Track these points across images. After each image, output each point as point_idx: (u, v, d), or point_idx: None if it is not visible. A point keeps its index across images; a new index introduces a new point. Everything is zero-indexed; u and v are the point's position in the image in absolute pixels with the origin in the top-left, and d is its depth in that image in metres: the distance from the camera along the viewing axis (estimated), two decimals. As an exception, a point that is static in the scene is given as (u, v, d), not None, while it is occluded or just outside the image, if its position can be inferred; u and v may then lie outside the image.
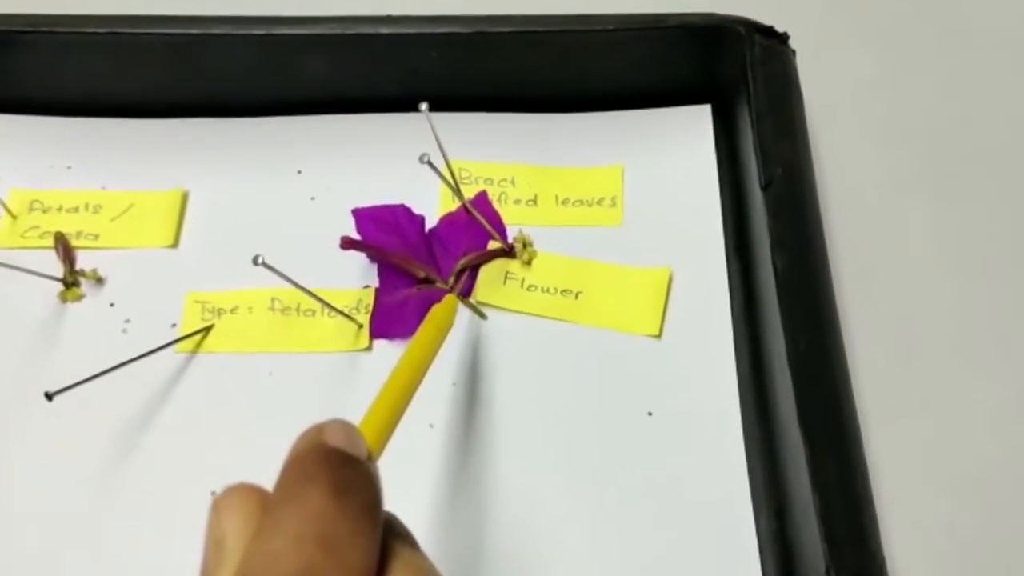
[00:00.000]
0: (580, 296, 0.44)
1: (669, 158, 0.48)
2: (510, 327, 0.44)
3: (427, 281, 0.45)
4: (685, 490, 0.40)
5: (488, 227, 0.45)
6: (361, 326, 0.44)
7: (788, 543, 0.38)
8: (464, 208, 0.46)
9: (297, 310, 0.44)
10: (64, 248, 0.46)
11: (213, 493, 0.25)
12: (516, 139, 0.49)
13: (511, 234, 0.46)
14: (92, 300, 0.45)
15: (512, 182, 0.47)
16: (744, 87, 0.46)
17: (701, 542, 0.39)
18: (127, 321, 0.44)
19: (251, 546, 0.23)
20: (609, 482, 0.40)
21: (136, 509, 0.40)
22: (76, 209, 0.47)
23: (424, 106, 0.40)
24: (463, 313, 0.44)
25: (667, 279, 0.44)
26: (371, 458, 0.27)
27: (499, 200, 0.47)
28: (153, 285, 0.45)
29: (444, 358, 0.42)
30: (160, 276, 0.46)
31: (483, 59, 0.48)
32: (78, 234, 0.46)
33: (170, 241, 0.46)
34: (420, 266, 0.45)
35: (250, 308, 0.44)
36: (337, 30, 0.47)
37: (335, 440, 0.26)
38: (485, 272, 0.45)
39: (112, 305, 0.45)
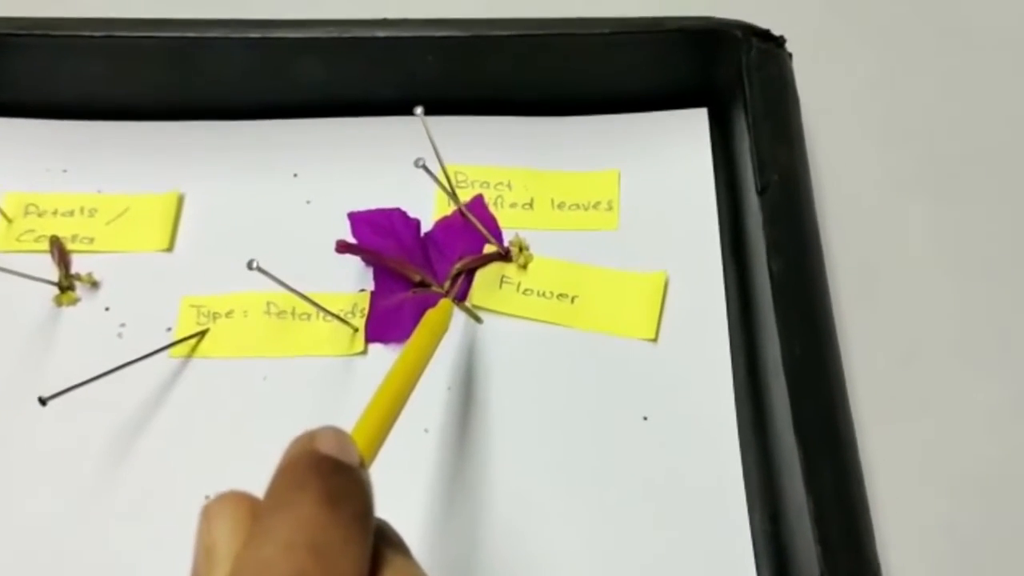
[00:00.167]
0: (576, 300, 0.44)
1: (666, 162, 0.48)
2: (506, 331, 0.44)
3: (423, 285, 0.45)
4: (680, 494, 0.40)
5: (484, 231, 0.45)
6: (356, 330, 0.43)
7: (783, 546, 0.38)
8: (460, 212, 0.46)
9: (292, 314, 0.44)
10: (59, 252, 0.46)
11: (207, 497, 0.25)
12: (512, 143, 0.48)
13: (507, 238, 0.46)
14: (87, 304, 0.45)
15: (508, 186, 0.47)
16: (741, 91, 0.46)
17: (696, 545, 0.39)
18: (122, 325, 0.44)
19: (242, 554, 0.23)
20: (605, 486, 0.40)
21: (131, 513, 0.40)
22: (71, 213, 0.47)
23: (419, 110, 0.40)
24: (459, 317, 0.44)
25: (663, 283, 0.44)
26: (363, 465, 0.27)
27: (495, 204, 0.47)
28: (148, 289, 0.45)
29: (439, 362, 0.42)
30: (155, 280, 0.45)
31: (479, 62, 0.48)
32: (73, 238, 0.46)
33: (165, 245, 0.46)
34: (416, 270, 0.44)
35: (245, 312, 0.44)
36: (333, 33, 0.47)
37: (327, 447, 0.26)
38: (481, 276, 0.45)
39: (107, 309, 0.45)
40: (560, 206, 0.47)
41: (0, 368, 0.43)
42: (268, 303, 0.44)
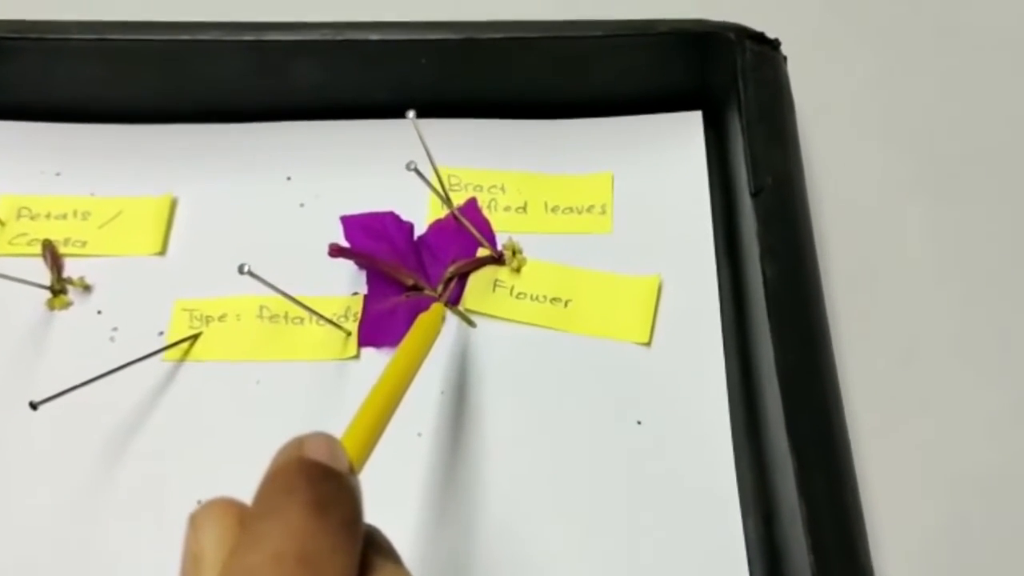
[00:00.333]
0: (570, 304, 0.44)
1: (660, 165, 0.48)
2: (499, 335, 0.44)
3: (416, 289, 0.44)
4: (674, 498, 0.40)
5: (477, 234, 0.45)
6: (349, 334, 0.43)
7: (776, 550, 0.38)
8: (453, 215, 0.45)
9: (285, 318, 0.44)
10: (52, 255, 0.45)
11: (199, 502, 0.25)
12: (506, 146, 0.48)
13: (500, 241, 0.46)
14: (79, 308, 0.45)
15: (502, 189, 0.47)
16: (735, 94, 0.45)
17: (689, 549, 0.38)
18: (114, 329, 0.44)
19: (229, 562, 0.23)
20: (598, 490, 0.40)
21: (123, 517, 0.40)
22: (64, 216, 0.47)
23: (411, 114, 0.40)
24: (452, 321, 0.44)
25: (657, 287, 0.44)
26: (353, 471, 0.27)
27: (488, 207, 0.47)
28: (141, 293, 0.45)
29: (432, 366, 0.42)
30: (148, 283, 0.45)
31: (473, 65, 0.48)
32: (66, 241, 0.46)
33: (158, 248, 0.46)
34: (409, 274, 0.44)
35: (238, 316, 0.44)
36: (327, 36, 0.46)
37: (316, 453, 0.26)
38: (474, 280, 0.45)
39: (100, 313, 0.45)
40: (554, 209, 0.47)
41: (-8, 372, 0.43)
42: (261, 307, 0.44)
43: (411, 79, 0.48)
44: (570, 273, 0.45)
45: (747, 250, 0.43)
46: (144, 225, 0.47)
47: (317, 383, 0.43)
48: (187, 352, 0.43)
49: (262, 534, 0.23)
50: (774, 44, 0.47)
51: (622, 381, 0.42)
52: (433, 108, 0.45)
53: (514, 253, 0.45)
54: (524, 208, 0.47)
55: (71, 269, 0.46)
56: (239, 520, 0.24)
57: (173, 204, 0.48)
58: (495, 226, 0.46)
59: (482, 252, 0.45)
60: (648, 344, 0.43)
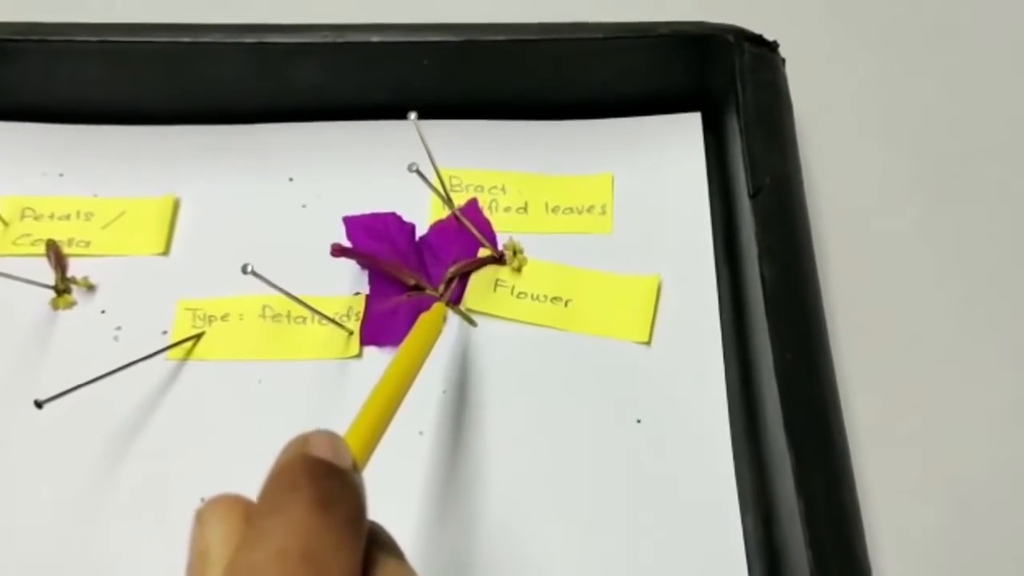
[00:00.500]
0: (570, 303, 0.44)
1: (659, 166, 0.48)
2: (500, 334, 0.44)
3: (417, 289, 0.45)
4: (673, 496, 0.40)
5: (478, 235, 0.45)
6: (351, 333, 0.44)
7: (775, 550, 0.38)
8: (454, 216, 0.46)
9: (288, 317, 0.44)
10: (56, 255, 0.46)
11: (202, 500, 0.25)
12: (507, 147, 0.49)
13: (501, 241, 0.46)
14: (83, 307, 0.45)
15: (502, 190, 0.48)
16: (734, 95, 0.46)
17: (688, 548, 0.39)
18: (118, 328, 0.45)
19: (235, 558, 0.23)
20: (598, 489, 0.40)
21: (126, 516, 0.40)
22: (68, 216, 0.47)
23: (413, 115, 0.40)
24: (453, 320, 0.44)
25: (656, 286, 0.44)
26: (356, 468, 0.27)
27: (489, 208, 0.47)
28: (144, 292, 0.45)
29: (434, 365, 0.42)
30: (151, 283, 0.46)
31: (474, 67, 0.48)
32: (70, 241, 0.47)
33: (161, 248, 0.47)
34: (410, 274, 0.45)
35: (241, 315, 0.44)
36: (328, 38, 0.47)
37: (320, 451, 0.26)
38: (475, 279, 0.45)
39: (103, 312, 0.45)
40: (554, 210, 0.47)
41: (-3, 371, 0.43)
42: (264, 306, 0.44)
43: (412, 80, 0.48)
44: (570, 273, 0.45)
45: (746, 250, 0.43)
46: (147, 225, 0.47)
47: (319, 382, 0.43)
48: (190, 351, 0.44)
49: (267, 531, 0.23)
50: (772, 46, 0.47)
51: (622, 380, 0.42)
52: (434, 109, 0.46)
53: (515, 253, 0.45)
54: (525, 208, 0.47)
55: (75, 269, 0.46)
56: (245, 516, 0.24)
57: (176, 204, 0.48)
58: (496, 226, 0.47)
59: (483, 252, 0.46)
60: (648, 343, 0.43)
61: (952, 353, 0.46)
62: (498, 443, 0.41)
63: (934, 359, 0.46)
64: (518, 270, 0.45)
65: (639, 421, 0.42)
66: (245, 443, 0.41)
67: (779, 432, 0.37)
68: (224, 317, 0.44)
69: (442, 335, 0.42)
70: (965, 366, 0.46)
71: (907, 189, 0.51)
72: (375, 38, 0.47)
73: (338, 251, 0.42)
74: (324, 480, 0.25)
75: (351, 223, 0.46)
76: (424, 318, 0.40)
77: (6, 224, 0.47)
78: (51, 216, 0.47)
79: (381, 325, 0.44)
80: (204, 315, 0.45)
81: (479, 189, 0.48)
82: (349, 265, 0.45)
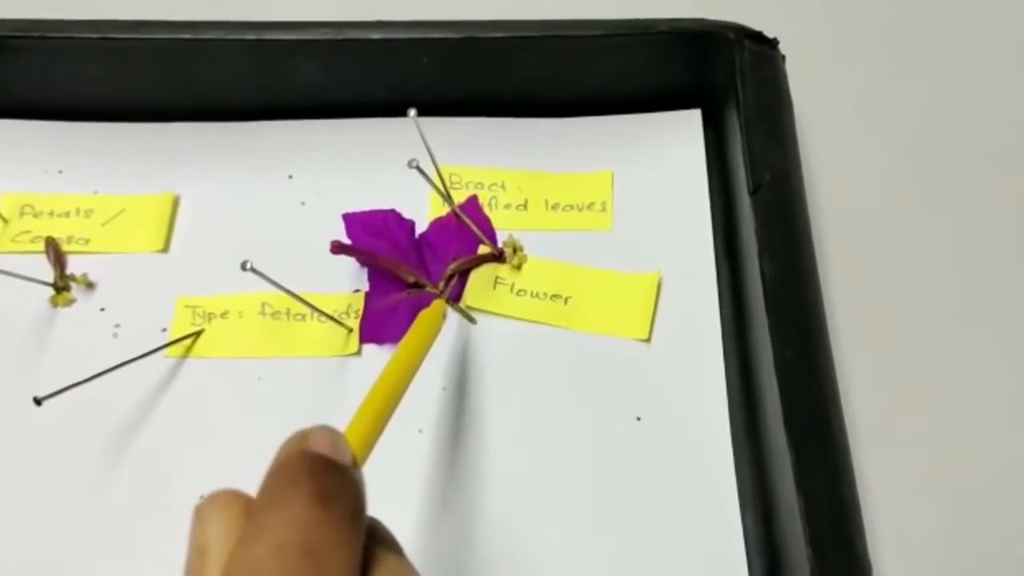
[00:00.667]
0: (570, 301, 0.44)
1: (659, 163, 0.48)
2: (500, 332, 0.44)
3: (417, 286, 0.45)
4: (673, 493, 0.40)
5: (478, 232, 0.45)
6: (351, 330, 0.44)
7: (775, 547, 0.38)
8: (454, 213, 0.46)
9: (287, 315, 0.44)
10: (55, 253, 0.46)
11: (201, 497, 0.25)
12: (507, 144, 0.49)
13: (501, 239, 0.46)
14: (83, 305, 0.45)
15: (502, 187, 0.48)
16: (734, 92, 0.46)
17: (689, 545, 0.39)
18: (117, 326, 0.45)
19: (234, 553, 0.23)
20: (598, 486, 0.40)
21: (126, 513, 0.40)
22: (67, 214, 0.47)
23: (412, 112, 0.40)
24: (453, 318, 0.44)
25: (656, 283, 0.44)
26: (356, 464, 0.27)
27: (489, 205, 0.47)
28: (144, 290, 0.45)
29: (434, 362, 0.42)
30: (151, 281, 0.46)
31: (474, 64, 0.48)
32: (69, 239, 0.47)
33: (161, 246, 0.47)
34: (410, 271, 0.45)
35: (240, 313, 0.44)
36: (328, 35, 0.47)
37: (320, 446, 0.26)
38: (475, 277, 0.45)
39: (103, 310, 0.45)
40: (554, 207, 0.47)
41: (-4, 369, 0.43)
42: (263, 304, 0.44)
43: (412, 78, 0.48)
44: (570, 270, 0.45)
45: (746, 247, 0.43)
46: (146, 223, 0.47)
47: (319, 379, 0.43)
48: (189, 349, 0.44)
49: (266, 526, 0.23)
50: (772, 43, 0.47)
51: (622, 377, 0.42)
52: (434, 107, 0.46)
53: (515, 250, 0.45)
54: (524, 206, 0.47)
55: (74, 266, 0.46)
56: (244, 512, 0.24)
57: (175, 202, 0.48)
58: (496, 224, 0.46)
59: (483, 249, 0.46)
60: (647, 341, 0.43)
61: (952, 351, 0.46)
62: (497, 440, 0.41)
63: (934, 357, 0.46)
64: (518, 267, 0.45)
65: (639, 418, 0.41)
66: (244, 440, 0.41)
67: (779, 429, 0.37)
68: (224, 314, 0.44)
69: (442, 332, 0.42)
70: (965, 364, 0.46)
71: (907, 186, 0.51)
72: (375, 35, 0.47)
73: (337, 248, 0.42)
74: (324, 476, 0.25)
75: (350, 220, 0.46)
76: (424, 315, 0.40)
77: (5, 221, 0.47)
78: (50, 213, 0.47)
79: (381, 322, 0.44)
80: (204, 312, 0.45)
81: (479, 186, 0.48)
82: (349, 262, 0.45)
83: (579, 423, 0.42)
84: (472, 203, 0.47)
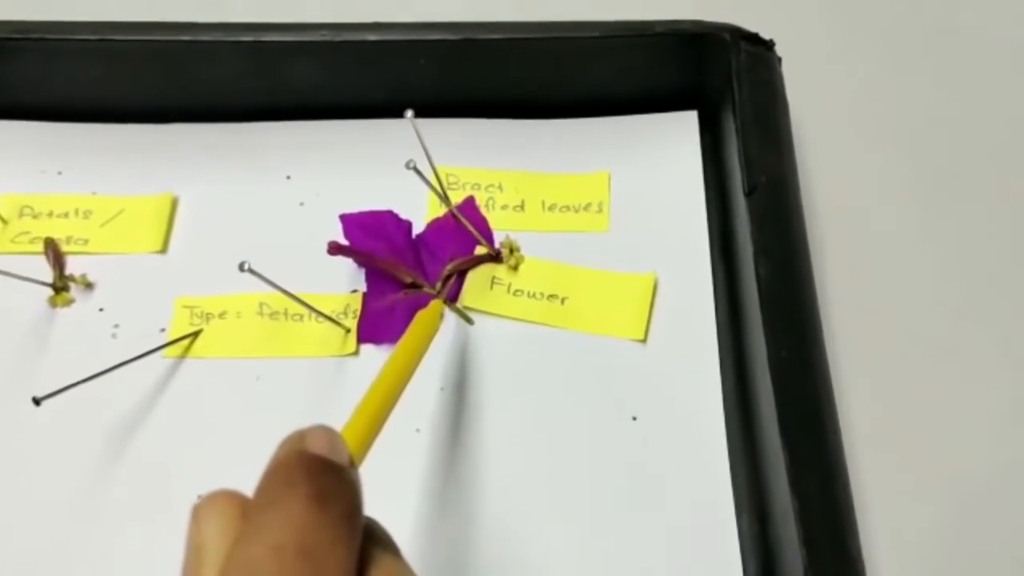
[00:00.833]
0: (566, 301, 0.45)
1: (656, 164, 0.48)
2: (497, 332, 0.44)
3: (414, 286, 0.45)
4: (668, 493, 0.40)
5: (475, 232, 0.45)
6: (348, 331, 0.44)
7: (770, 547, 0.38)
8: (451, 214, 0.46)
9: (285, 315, 0.44)
10: (54, 253, 0.46)
11: (199, 497, 0.26)
12: (504, 145, 0.49)
13: (498, 239, 0.46)
14: (81, 305, 0.45)
15: (499, 188, 0.48)
16: (730, 94, 0.46)
17: (684, 545, 0.39)
18: (116, 326, 0.45)
19: (231, 553, 0.23)
20: (593, 486, 0.40)
21: (124, 513, 0.40)
22: (66, 214, 0.48)
23: (409, 113, 0.40)
24: (450, 318, 0.44)
25: (653, 284, 0.45)
26: (353, 464, 0.27)
27: (486, 206, 0.47)
28: (142, 290, 0.46)
29: (431, 363, 0.42)
30: (149, 281, 0.46)
31: (471, 66, 0.48)
32: (68, 239, 0.47)
33: (159, 246, 0.47)
34: (407, 271, 0.45)
35: (238, 313, 0.45)
36: (326, 37, 0.47)
37: (317, 446, 0.26)
38: (472, 277, 0.45)
39: (101, 310, 0.45)
40: (551, 208, 0.47)
41: (-5, 369, 0.44)
42: (261, 304, 0.45)
43: (409, 79, 0.48)
44: (567, 271, 0.45)
45: (741, 249, 0.43)
46: (145, 223, 0.47)
47: (316, 379, 0.43)
48: (188, 349, 0.44)
49: (263, 526, 0.23)
50: (769, 45, 0.47)
51: (618, 378, 0.43)
52: (431, 108, 0.46)
53: (511, 251, 0.46)
54: (521, 207, 0.47)
55: (73, 267, 0.46)
56: (241, 512, 0.24)
57: (174, 203, 0.48)
58: (493, 224, 0.47)
59: (480, 250, 0.46)
60: (644, 341, 0.43)
61: (948, 352, 0.46)
62: (494, 440, 0.41)
63: (930, 358, 0.46)
64: (515, 268, 0.45)
65: (635, 418, 0.42)
66: (243, 440, 0.41)
67: (774, 430, 0.37)
68: (222, 315, 0.45)
69: (439, 333, 0.42)
70: (961, 365, 0.46)
71: (903, 188, 0.51)
72: (372, 37, 0.47)
73: (335, 249, 0.42)
74: (320, 476, 0.25)
75: (348, 221, 0.46)
76: (421, 315, 0.40)
77: (4, 222, 0.47)
78: (49, 214, 0.48)
79: (378, 323, 0.44)
80: (202, 313, 0.45)
81: (476, 187, 0.48)
82: (346, 263, 0.45)
83: (575, 423, 0.42)
84: (469, 204, 0.47)
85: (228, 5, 0.54)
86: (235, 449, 0.40)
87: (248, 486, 0.25)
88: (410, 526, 0.39)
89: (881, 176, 0.51)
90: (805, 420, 0.37)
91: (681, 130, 0.49)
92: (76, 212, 0.48)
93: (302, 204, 0.48)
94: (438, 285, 0.45)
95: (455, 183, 0.48)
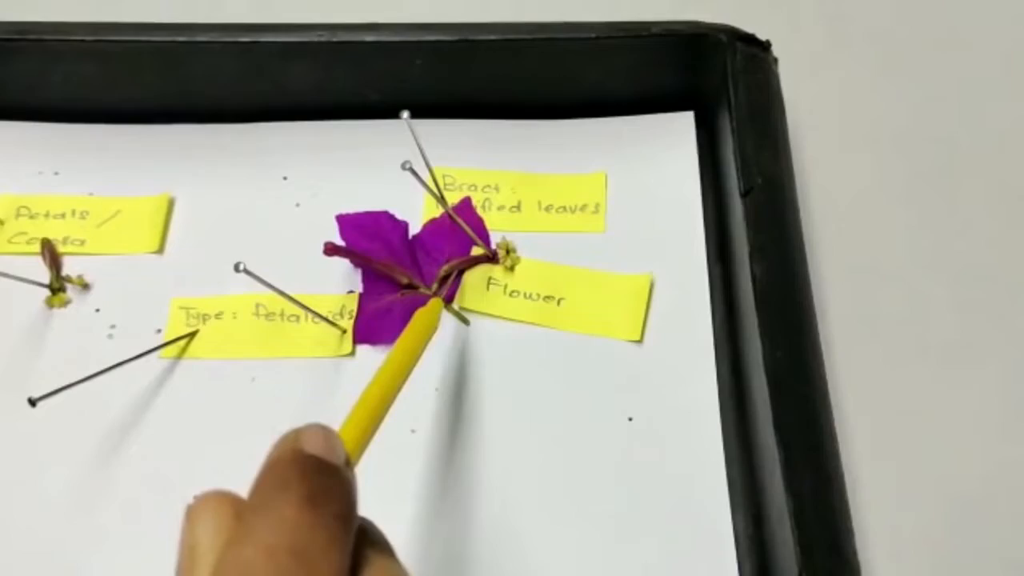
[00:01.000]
0: (563, 302, 0.45)
1: (652, 165, 0.48)
2: (493, 333, 0.44)
3: (410, 287, 0.45)
4: (664, 494, 0.40)
5: (471, 233, 0.45)
6: (344, 332, 0.44)
7: (765, 548, 0.38)
8: (448, 214, 0.46)
9: (281, 316, 0.44)
10: (51, 254, 0.46)
11: (194, 498, 0.26)
12: (500, 146, 0.49)
13: (494, 240, 0.46)
14: (78, 306, 0.45)
15: (496, 188, 0.48)
16: (726, 95, 0.46)
17: (679, 545, 0.39)
18: (112, 327, 0.45)
19: (224, 554, 0.23)
20: (589, 486, 0.40)
21: (119, 514, 0.40)
22: (63, 215, 0.48)
23: (405, 114, 0.40)
24: (446, 319, 0.44)
25: (649, 285, 0.45)
26: (349, 464, 0.27)
27: (483, 206, 0.47)
28: (139, 291, 0.46)
29: (427, 363, 0.42)
30: (146, 282, 0.46)
31: (468, 66, 0.48)
32: (65, 240, 0.47)
33: (156, 247, 0.47)
34: (403, 272, 0.45)
35: (235, 314, 0.45)
36: (322, 38, 0.47)
37: (313, 446, 0.26)
38: (468, 278, 0.45)
39: (98, 311, 0.45)
40: (547, 209, 0.47)
41: (-8, 369, 0.44)
42: (257, 305, 0.45)
43: (405, 80, 0.48)
44: (563, 271, 0.45)
45: (738, 250, 0.43)
46: (142, 224, 0.47)
47: (313, 380, 0.43)
48: (184, 349, 0.44)
49: (256, 527, 0.23)
50: (765, 46, 0.47)
51: (614, 378, 0.43)
52: (427, 109, 0.46)
53: (508, 252, 0.46)
54: (518, 207, 0.47)
55: (70, 267, 0.46)
56: (235, 512, 0.24)
57: (171, 203, 0.48)
58: (489, 225, 0.47)
59: (476, 251, 0.46)
60: (640, 342, 0.44)
61: (942, 351, 0.46)
62: (490, 441, 0.41)
63: (926, 358, 0.46)
64: (511, 269, 0.46)
65: (631, 419, 0.42)
66: (238, 440, 0.40)
67: (769, 430, 0.37)
68: (218, 315, 0.45)
69: (436, 333, 0.42)
70: (956, 366, 0.46)
71: (899, 189, 0.51)
72: (369, 38, 0.47)
73: (331, 249, 0.42)
74: (314, 476, 0.25)
75: (344, 221, 0.46)
76: (420, 314, 0.40)
77: (1, 223, 0.47)
78: (46, 215, 0.48)
79: (374, 323, 0.44)
80: (198, 313, 0.45)
81: (472, 188, 0.48)
82: (342, 263, 0.45)
83: (571, 424, 0.42)
84: (465, 204, 0.47)
85: (224, 6, 0.54)
86: (230, 450, 0.40)
87: (243, 487, 0.25)
88: (405, 526, 0.39)
89: (876, 177, 0.51)
90: (800, 420, 0.37)
91: (677, 131, 0.49)
92: (73, 213, 0.48)
93: (298, 205, 0.48)
94: (434, 286, 0.45)
95: (451, 184, 0.48)
